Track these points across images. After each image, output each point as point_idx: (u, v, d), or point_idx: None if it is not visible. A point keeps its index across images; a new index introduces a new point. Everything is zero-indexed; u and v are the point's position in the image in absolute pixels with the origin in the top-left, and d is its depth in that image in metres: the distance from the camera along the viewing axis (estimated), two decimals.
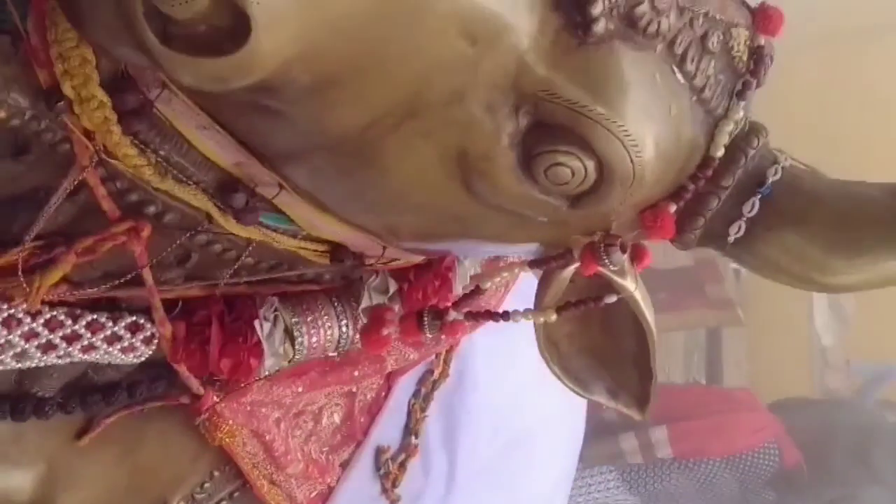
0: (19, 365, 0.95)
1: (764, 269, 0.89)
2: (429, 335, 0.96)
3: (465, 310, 0.96)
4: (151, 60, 0.67)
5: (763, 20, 0.85)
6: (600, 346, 1.02)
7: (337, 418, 1.32)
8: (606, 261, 0.87)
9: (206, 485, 1.22)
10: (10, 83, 0.82)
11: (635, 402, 1.05)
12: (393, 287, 1.07)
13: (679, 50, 0.79)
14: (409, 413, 1.41)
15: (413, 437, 1.42)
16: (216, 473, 1.22)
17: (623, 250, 0.87)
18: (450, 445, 1.48)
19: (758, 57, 0.85)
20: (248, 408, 1.16)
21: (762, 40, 0.86)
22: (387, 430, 1.39)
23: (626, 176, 0.80)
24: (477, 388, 1.47)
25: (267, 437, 1.20)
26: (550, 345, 1.01)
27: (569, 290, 0.95)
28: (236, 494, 1.26)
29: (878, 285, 0.88)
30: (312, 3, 0.64)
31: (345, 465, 1.36)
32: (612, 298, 0.92)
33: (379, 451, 1.38)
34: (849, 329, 8.66)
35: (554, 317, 0.94)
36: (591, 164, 0.78)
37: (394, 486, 1.41)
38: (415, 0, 0.68)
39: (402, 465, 1.41)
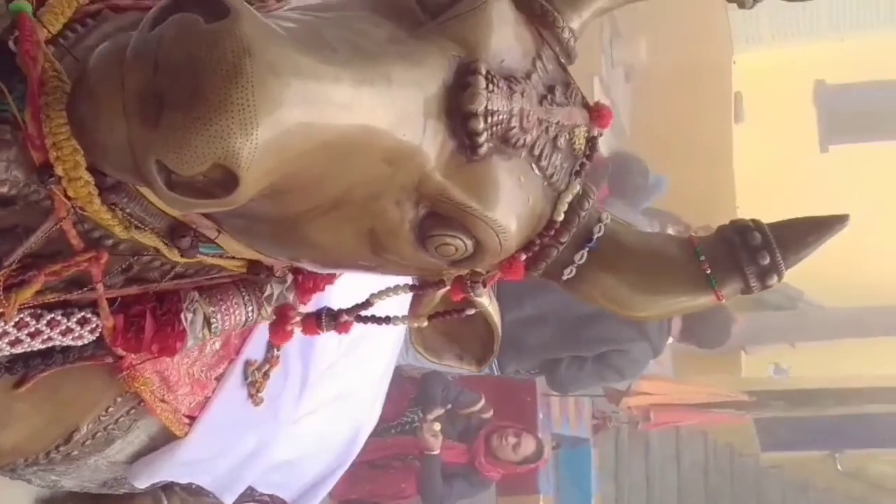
0: None
1: (587, 299, 1.18)
2: (325, 332, 1.23)
3: (356, 314, 1.23)
4: (153, 192, 0.88)
5: (597, 117, 1.12)
6: (454, 329, 1.31)
7: (217, 345, 1.57)
8: (471, 292, 1.15)
9: (111, 408, 1.47)
10: (11, 164, 1.00)
11: (476, 363, 1.35)
12: (290, 278, 1.31)
13: (537, 152, 1.05)
14: None
15: (275, 350, 1.69)
16: (118, 399, 1.46)
17: (484, 284, 1.15)
18: (305, 352, 1.76)
19: (592, 144, 1.13)
20: None
21: (596, 131, 1.13)
22: (255, 347, 1.65)
23: (495, 250, 1.07)
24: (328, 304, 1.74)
25: (165, 373, 1.45)
26: (418, 332, 1.30)
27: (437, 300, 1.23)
28: (132, 411, 1.50)
29: (672, 315, 1.20)
30: (281, 156, 0.86)
31: (219, 379, 1.61)
32: (472, 311, 1.21)
33: (247, 365, 1.65)
34: (625, 139, 9.29)
35: (426, 323, 1.22)
36: (469, 243, 1.05)
37: (258, 391, 1.69)
38: (352, 144, 0.91)
39: (266, 374, 1.68)
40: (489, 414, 5.13)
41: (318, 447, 2.01)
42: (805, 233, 1.13)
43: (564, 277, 1.16)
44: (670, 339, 5.04)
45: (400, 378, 4.62)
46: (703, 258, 1.12)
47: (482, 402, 5.08)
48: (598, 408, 7.65)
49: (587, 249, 1.14)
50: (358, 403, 2.05)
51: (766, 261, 1.10)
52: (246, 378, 1.65)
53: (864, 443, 10.39)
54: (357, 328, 1.85)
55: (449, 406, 4.89)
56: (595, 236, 1.14)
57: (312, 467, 2.04)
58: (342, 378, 1.92)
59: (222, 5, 0.83)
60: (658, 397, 7.06)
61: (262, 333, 1.64)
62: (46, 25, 1.04)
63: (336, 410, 1.97)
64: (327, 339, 1.79)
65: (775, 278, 1.11)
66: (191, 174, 0.84)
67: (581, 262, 1.14)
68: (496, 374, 4.63)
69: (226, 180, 0.85)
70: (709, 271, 1.12)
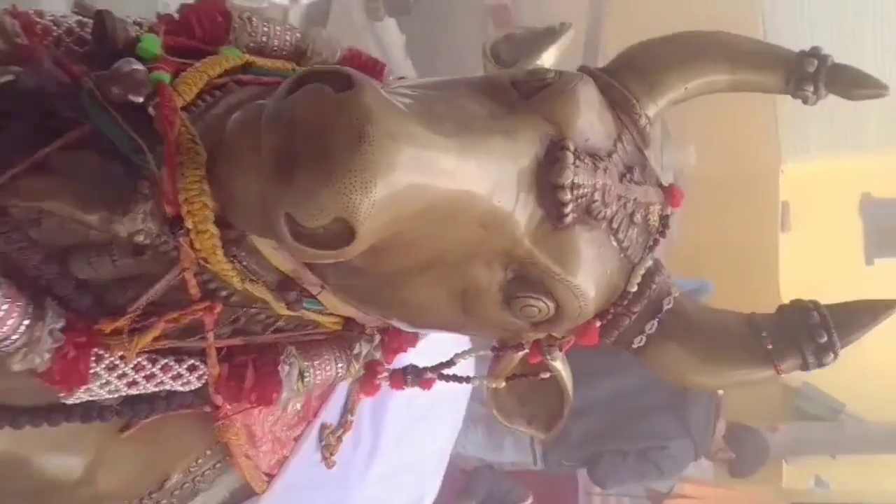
0: (110, 396, 1.25)
1: (655, 368, 1.27)
2: (410, 387, 1.32)
3: (439, 371, 1.32)
4: (279, 243, 0.99)
5: (671, 198, 1.23)
6: (526, 393, 1.40)
7: (298, 406, 1.66)
8: (547, 355, 1.24)
9: (200, 460, 1.56)
10: (148, 216, 1.11)
11: (543, 429, 1.44)
12: (377, 338, 1.40)
13: (616, 225, 1.16)
14: (348, 396, 1.76)
15: (349, 415, 1.78)
16: (208, 451, 1.55)
17: (560, 349, 1.25)
18: (377, 419, 1.85)
19: (664, 221, 1.23)
20: None
21: (669, 210, 1.22)
22: (331, 410, 1.74)
23: (574, 314, 1.16)
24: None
25: (252, 428, 1.53)
26: (493, 393, 1.38)
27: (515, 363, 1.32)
28: (218, 465, 1.59)
29: (735, 386, 1.28)
30: (392, 214, 0.97)
31: (297, 439, 1.70)
32: (546, 375, 1.30)
33: (323, 428, 1.74)
34: (671, 245, 9.37)
35: (503, 384, 1.32)
36: (552, 306, 1.14)
37: (331, 454, 1.77)
38: (454, 207, 1.02)
39: (339, 438, 1.77)
40: None
41: None
42: (860, 315, 1.21)
43: (634, 346, 1.24)
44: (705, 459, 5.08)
45: (451, 468, 4.67)
46: (764, 334, 1.20)
47: (530, 500, 5.11)
48: None
49: (657, 320, 1.23)
50: (421, 475, 2.13)
51: (824, 339, 1.18)
52: (321, 441, 1.74)
53: None
54: (425, 400, 1.95)
55: None
56: (665, 308, 1.23)
57: None
58: (408, 449, 2.00)
59: (348, 78, 0.95)
60: (699, 501, 7.02)
61: (338, 398, 1.74)
62: (181, 94, 1.16)
63: (401, 480, 2.04)
64: (398, 408, 1.89)
65: (831, 356, 1.19)
66: (315, 226, 0.95)
67: (651, 331, 1.23)
68: (539, 465, 4.67)
69: (343, 233, 0.96)
70: (770, 347, 1.20)
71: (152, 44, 1.24)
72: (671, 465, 4.73)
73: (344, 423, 1.77)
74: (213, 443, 1.53)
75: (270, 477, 1.68)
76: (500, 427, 4.30)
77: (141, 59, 1.20)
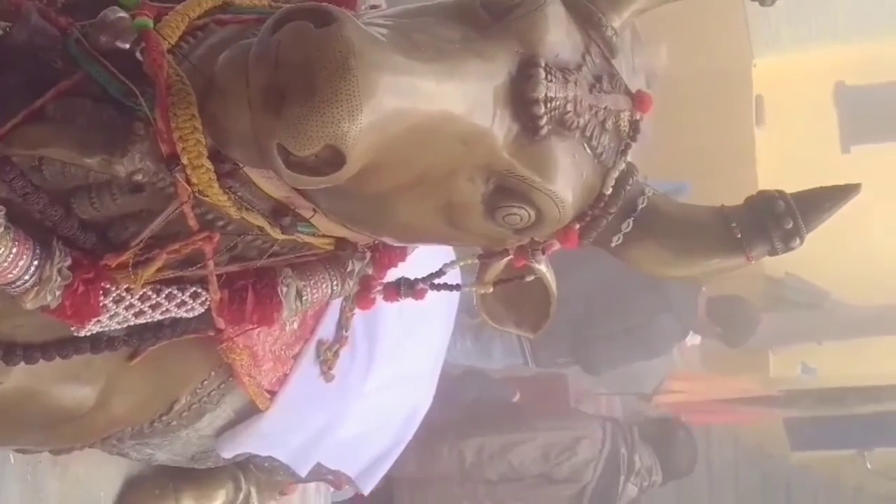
0: (118, 327, 1.32)
1: (633, 263, 1.35)
2: (403, 299, 1.40)
3: (430, 282, 1.40)
4: (274, 172, 1.05)
5: (639, 103, 1.29)
6: (514, 297, 1.48)
7: (296, 325, 1.74)
8: (532, 258, 1.32)
9: (205, 381, 1.65)
10: (145, 155, 1.18)
11: (531, 329, 1.52)
12: (368, 255, 1.48)
13: (588, 133, 1.22)
14: (342, 312, 1.84)
15: (344, 331, 1.87)
16: (212, 373, 1.64)
17: (543, 252, 1.32)
18: (370, 332, 1.94)
19: (635, 126, 1.29)
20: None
21: (638, 115, 1.29)
22: (327, 327, 1.82)
23: (554, 219, 1.24)
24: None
25: (254, 348, 1.62)
26: (482, 298, 1.46)
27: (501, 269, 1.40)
28: (222, 385, 1.68)
29: (710, 276, 1.36)
30: (379, 137, 1.03)
31: (296, 357, 1.79)
32: (531, 277, 1.38)
33: (320, 344, 1.83)
34: (646, 148, 9.41)
35: (491, 289, 1.40)
36: (532, 213, 1.22)
37: (329, 368, 1.86)
38: (435, 127, 1.09)
39: (336, 353, 1.86)
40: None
41: (381, 425, 2.18)
42: (823, 200, 1.29)
43: (613, 244, 1.32)
44: (695, 338, 5.15)
45: (441, 377, 4.77)
46: (734, 224, 1.28)
47: (517, 396, 5.25)
48: (628, 408, 7.77)
49: (632, 219, 1.31)
50: (416, 385, 2.23)
51: (790, 225, 1.26)
52: (318, 356, 1.83)
53: (894, 441, 10.43)
54: (415, 312, 2.04)
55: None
56: (639, 207, 1.31)
57: (375, 444, 2.22)
58: (403, 359, 2.10)
59: (329, 14, 1.01)
60: (687, 395, 7.19)
61: (333, 315, 1.82)
62: (165, 38, 1.22)
63: (397, 390, 2.15)
64: (390, 321, 1.98)
65: (797, 241, 1.27)
66: (306, 154, 1.01)
67: (627, 230, 1.31)
68: (531, 365, 4.77)
69: (334, 159, 1.03)
70: (739, 235, 1.28)
71: None
72: (660, 342, 4.80)
73: (340, 339, 1.86)
74: (217, 365, 1.62)
75: (272, 394, 1.77)
76: (488, 334, 4.41)
77: (122, 7, 1.25)
